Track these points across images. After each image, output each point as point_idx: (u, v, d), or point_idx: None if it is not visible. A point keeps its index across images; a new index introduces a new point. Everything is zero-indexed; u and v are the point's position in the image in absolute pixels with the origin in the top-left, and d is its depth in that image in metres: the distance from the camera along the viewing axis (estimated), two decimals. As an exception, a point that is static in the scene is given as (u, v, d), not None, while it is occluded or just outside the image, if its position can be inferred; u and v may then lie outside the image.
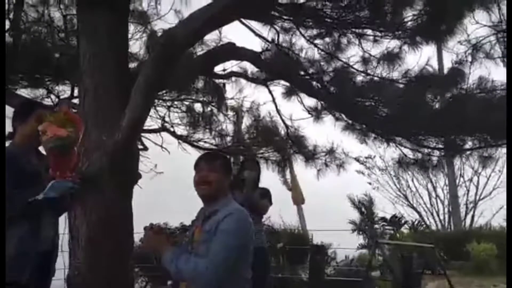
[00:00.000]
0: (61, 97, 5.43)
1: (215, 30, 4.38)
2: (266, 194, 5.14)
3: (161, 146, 6.52)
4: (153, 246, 2.28)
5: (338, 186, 9.71)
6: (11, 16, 5.17)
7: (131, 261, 4.41)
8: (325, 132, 6.82)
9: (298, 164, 7.15)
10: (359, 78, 5.99)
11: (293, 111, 6.73)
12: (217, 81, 6.36)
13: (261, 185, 5.25)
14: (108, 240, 3.82)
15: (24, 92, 5.18)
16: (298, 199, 12.25)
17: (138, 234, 4.15)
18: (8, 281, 2.42)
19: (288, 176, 11.67)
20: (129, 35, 5.00)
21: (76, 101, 4.98)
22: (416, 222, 12.24)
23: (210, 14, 3.20)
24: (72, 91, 5.40)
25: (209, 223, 2.18)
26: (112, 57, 4.10)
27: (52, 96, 5.45)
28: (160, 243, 2.26)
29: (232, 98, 6.72)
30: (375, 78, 5.94)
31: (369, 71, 5.91)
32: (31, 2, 5.44)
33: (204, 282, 2.09)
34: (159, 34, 5.47)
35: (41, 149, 2.74)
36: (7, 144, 2.69)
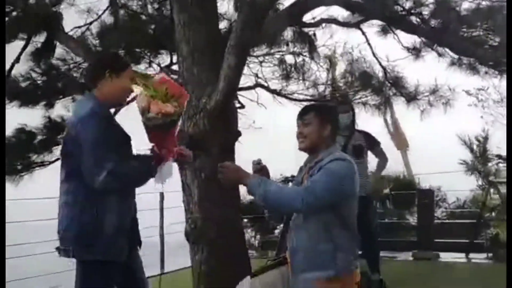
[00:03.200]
0: (162, 65, 5.74)
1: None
2: (374, 141, 5.06)
3: (257, 102, 6.63)
4: (238, 173, 2.16)
5: (446, 125, 9.09)
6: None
7: (239, 212, 4.71)
8: (428, 70, 6.35)
9: (399, 106, 6.80)
10: (464, 6, 5.42)
11: (391, 51, 6.33)
12: (306, 29, 6.19)
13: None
14: (217, 195, 4.09)
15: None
16: (401, 143, 11.86)
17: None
18: (108, 259, 2.23)
19: (388, 120, 11.21)
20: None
21: (175, 67, 5.25)
22: (538, 157, 11.01)
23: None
24: (171, 59, 5.67)
25: (314, 170, 2.20)
26: (204, 21, 4.22)
27: (154, 66, 5.79)
28: (244, 172, 2.17)
29: (324, 45, 6.52)
30: (483, 3, 5.33)
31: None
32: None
33: (294, 207, 2.08)
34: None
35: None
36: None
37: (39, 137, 5.56)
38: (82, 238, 2.20)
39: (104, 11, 5.65)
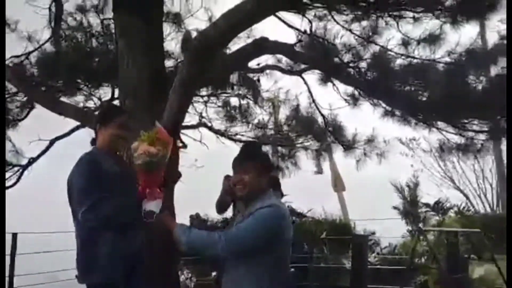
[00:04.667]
0: (103, 99, 5.62)
1: (247, 28, 4.38)
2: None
3: (200, 141, 6.63)
4: (168, 221, 2.31)
5: (381, 171, 9.52)
6: (52, 24, 5.40)
7: (176, 254, 4.57)
8: (364, 119, 6.71)
9: (338, 152, 7.07)
10: (398, 62, 5.83)
11: (330, 99, 6.65)
12: (251, 74, 6.37)
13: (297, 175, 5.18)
14: (153, 236, 3.96)
15: (66, 98, 5.40)
16: (338, 186, 12.27)
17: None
18: (103, 281, 2.47)
19: (325, 163, 11.51)
20: (165, 34, 5.09)
21: (116, 102, 5.15)
22: (461, 206, 11.82)
23: (242, 14, 3.20)
24: (113, 93, 5.57)
25: (245, 218, 2.22)
26: (149, 59, 4.22)
27: (95, 99, 5.66)
28: (173, 221, 2.32)
29: (267, 91, 6.72)
30: (415, 60, 5.76)
31: (408, 54, 5.74)
32: (69, 10, 5.64)
33: (215, 252, 2.12)
34: (193, 33, 5.56)
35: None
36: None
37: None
38: (80, 265, 2.53)
39: (47, 41, 5.48)
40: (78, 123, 5.20)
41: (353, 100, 6.20)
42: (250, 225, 2.14)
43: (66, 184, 2.59)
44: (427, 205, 11.23)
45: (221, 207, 4.08)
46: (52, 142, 5.66)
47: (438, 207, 11.10)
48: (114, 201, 2.46)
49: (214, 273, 8.27)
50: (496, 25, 5.53)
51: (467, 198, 15.99)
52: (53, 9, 5.53)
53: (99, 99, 5.65)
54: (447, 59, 5.58)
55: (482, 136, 5.96)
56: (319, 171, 9.75)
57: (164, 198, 2.46)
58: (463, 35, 5.41)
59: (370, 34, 5.67)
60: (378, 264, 8.57)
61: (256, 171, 2.26)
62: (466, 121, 5.83)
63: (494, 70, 5.50)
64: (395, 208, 11.48)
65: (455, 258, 7.35)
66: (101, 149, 2.65)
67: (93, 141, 2.75)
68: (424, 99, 5.69)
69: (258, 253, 2.14)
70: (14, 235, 5.54)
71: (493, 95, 5.25)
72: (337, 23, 5.65)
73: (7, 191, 5.77)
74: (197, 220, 2.48)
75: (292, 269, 5.92)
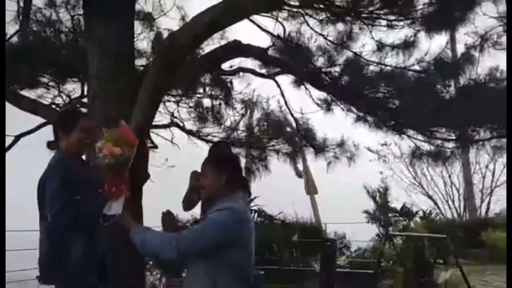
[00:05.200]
0: (72, 97, 5.49)
1: (219, 31, 4.34)
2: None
3: (171, 141, 6.58)
4: (127, 223, 2.31)
5: (353, 176, 9.66)
6: (20, 18, 5.23)
7: (143, 256, 4.50)
8: (336, 124, 6.77)
9: (310, 156, 7.14)
10: (370, 68, 5.89)
11: (303, 103, 6.69)
12: (224, 76, 6.35)
13: (268, 177, 5.19)
14: (121, 238, 3.90)
15: (33, 94, 5.25)
16: (311, 189, 12.37)
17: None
18: (67, 284, 2.49)
19: (300, 166, 11.64)
20: (136, 33, 5.02)
21: (85, 100, 5.05)
22: (428, 211, 12.15)
23: (213, 17, 3.19)
24: (82, 91, 5.45)
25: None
26: (120, 59, 4.14)
27: (63, 96, 5.52)
28: (134, 222, 2.34)
29: (240, 93, 6.72)
30: (387, 67, 5.84)
31: (380, 61, 5.81)
32: (38, 5, 5.47)
33: (167, 254, 2.13)
34: (164, 32, 5.49)
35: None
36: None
37: None
38: (43, 268, 2.57)
39: (13, 34, 5.30)
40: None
41: (326, 105, 6.25)
42: (202, 228, 2.18)
43: (37, 185, 2.59)
44: (394, 210, 11.47)
45: (188, 204, 4.04)
46: (17, 138, 5.49)
47: (405, 212, 11.36)
48: (85, 204, 2.48)
49: (184, 275, 8.22)
50: (463, 38, 5.69)
51: (436, 204, 16.43)
52: (21, 3, 5.35)
53: (68, 96, 5.52)
54: (417, 67, 5.68)
55: (450, 144, 6.11)
56: (299, 174, 9.85)
57: (130, 199, 2.45)
58: (433, 44, 5.56)
59: (344, 39, 5.72)
60: (347, 267, 8.69)
61: (214, 173, 2.31)
62: (434, 129, 5.95)
63: (462, 80, 5.64)
64: (365, 212, 11.71)
65: (421, 262, 7.54)
66: (67, 152, 2.66)
67: (50, 144, 2.75)
68: (394, 106, 5.78)
69: (214, 255, 2.15)
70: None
71: (460, 104, 5.39)
72: (311, 28, 5.68)
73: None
74: (168, 216, 2.50)
75: (261, 272, 5.93)
